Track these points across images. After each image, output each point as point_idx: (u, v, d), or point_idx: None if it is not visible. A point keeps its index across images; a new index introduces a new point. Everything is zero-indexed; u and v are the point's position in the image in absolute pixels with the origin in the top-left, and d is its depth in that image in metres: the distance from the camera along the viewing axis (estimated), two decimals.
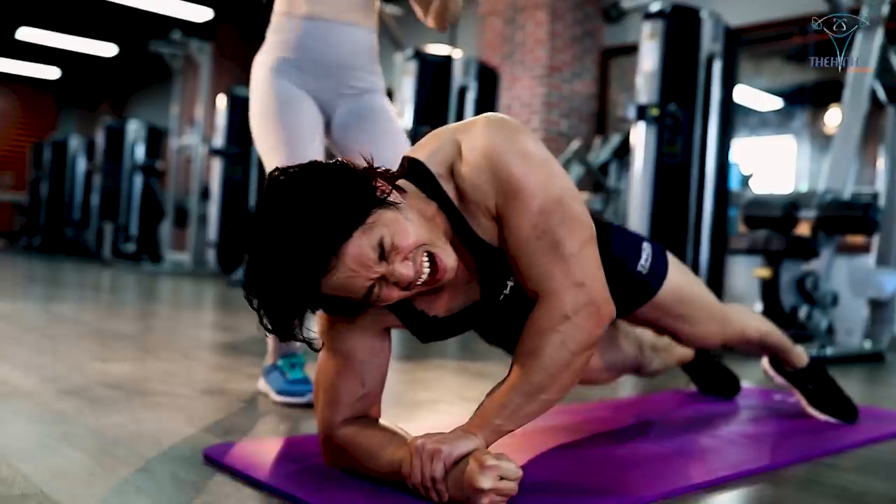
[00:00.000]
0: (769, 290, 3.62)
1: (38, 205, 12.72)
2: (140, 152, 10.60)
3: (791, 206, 3.67)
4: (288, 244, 1.16)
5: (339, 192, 1.19)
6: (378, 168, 1.30)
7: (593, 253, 1.35)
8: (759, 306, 3.71)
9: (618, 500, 1.36)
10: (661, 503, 1.37)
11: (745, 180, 5.92)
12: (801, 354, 2.14)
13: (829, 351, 3.53)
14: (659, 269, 1.72)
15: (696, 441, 1.87)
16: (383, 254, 1.21)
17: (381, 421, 1.47)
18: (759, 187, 5.69)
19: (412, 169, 1.35)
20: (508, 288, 1.40)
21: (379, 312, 1.40)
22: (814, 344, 3.56)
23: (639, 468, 1.60)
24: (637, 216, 4.27)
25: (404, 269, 1.21)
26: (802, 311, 3.62)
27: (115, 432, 1.69)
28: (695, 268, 4.28)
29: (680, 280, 1.77)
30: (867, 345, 3.86)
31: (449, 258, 1.27)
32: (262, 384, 2.20)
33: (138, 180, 10.47)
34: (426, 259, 1.25)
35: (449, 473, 1.24)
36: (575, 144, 5.91)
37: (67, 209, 12.17)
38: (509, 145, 1.29)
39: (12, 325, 3.51)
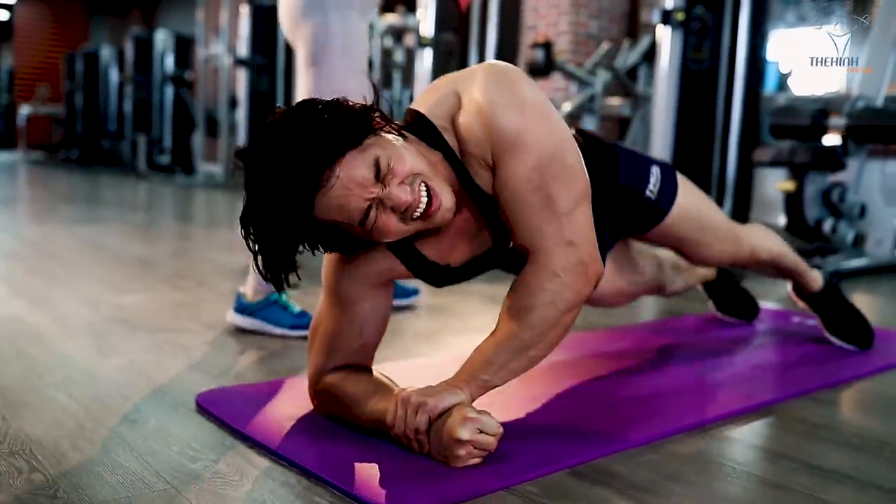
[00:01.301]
0: (793, 204, 3.52)
1: (74, 116, 12.82)
2: (169, 63, 10.54)
3: (820, 114, 3.53)
4: (281, 162, 1.15)
5: (334, 117, 1.19)
6: (375, 109, 1.28)
7: (586, 211, 1.34)
8: (782, 219, 3.62)
9: (605, 445, 1.35)
10: (648, 447, 1.37)
11: (782, 80, 5.68)
12: (816, 278, 2.11)
13: (853, 263, 3.46)
14: (668, 192, 1.70)
15: (698, 375, 1.86)
16: (379, 174, 1.19)
17: (372, 370, 1.48)
18: (799, 87, 5.47)
19: (415, 122, 1.33)
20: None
21: (387, 262, 1.39)
22: (839, 257, 3.49)
23: (636, 407, 1.59)
24: (661, 126, 4.16)
25: (401, 193, 1.20)
26: (827, 224, 3.53)
27: (112, 378, 1.72)
28: (721, 180, 4.18)
29: (689, 202, 1.75)
30: None
31: (445, 195, 1.25)
32: (242, 320, 2.16)
33: (169, 91, 10.45)
34: (423, 190, 1.23)
35: (432, 426, 1.25)
36: (604, 47, 5.73)
37: (103, 120, 12.26)
38: (508, 97, 1.27)
39: (37, 252, 3.58)
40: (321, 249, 1.31)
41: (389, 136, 1.25)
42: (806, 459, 1.36)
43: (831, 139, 3.63)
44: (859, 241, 3.58)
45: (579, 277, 1.31)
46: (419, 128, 1.32)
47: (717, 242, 1.83)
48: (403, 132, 1.30)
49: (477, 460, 1.24)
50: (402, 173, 1.21)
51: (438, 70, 5.74)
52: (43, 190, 7.81)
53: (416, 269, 1.40)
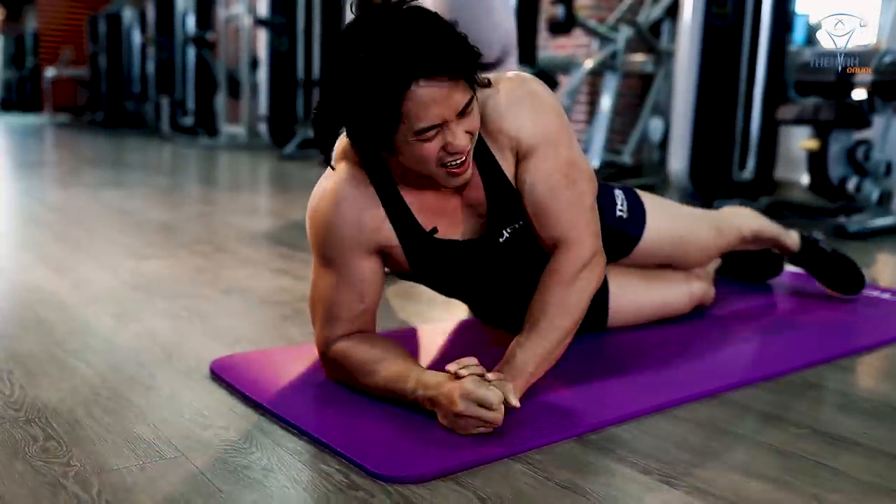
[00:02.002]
0: (816, 163, 3.46)
1: (98, 79, 12.86)
2: (191, 23, 10.50)
3: (846, 71, 3.45)
4: (413, 36, 1.17)
5: (469, 44, 1.24)
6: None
7: (595, 203, 1.49)
8: (805, 179, 3.57)
9: (613, 412, 1.36)
10: (659, 414, 1.37)
11: (811, 34, 5.54)
12: (794, 238, 2.14)
13: (879, 222, 3.41)
14: (637, 211, 1.76)
15: (713, 343, 1.84)
16: (462, 113, 1.24)
17: (377, 334, 1.49)
18: (829, 41, 5.33)
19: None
20: (510, 230, 1.47)
21: (375, 222, 1.40)
22: (864, 216, 3.43)
23: (648, 375, 1.59)
24: (683, 83, 4.09)
25: (463, 139, 1.25)
26: (851, 183, 3.47)
27: (129, 345, 1.75)
28: (745, 138, 4.11)
29: (660, 221, 1.80)
30: None
31: (470, 169, 1.32)
32: None
33: (191, 52, 10.42)
34: (469, 149, 1.30)
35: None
36: (626, 2, 5.62)
37: (126, 82, 12.29)
38: (551, 98, 1.42)
39: (60, 218, 3.63)
40: (363, 132, 1.28)
41: (479, 93, 1.31)
42: (815, 426, 1.36)
43: (858, 95, 3.55)
44: (885, 199, 3.52)
45: (600, 266, 1.45)
46: None
47: (700, 250, 1.89)
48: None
49: (484, 430, 1.25)
50: (472, 127, 1.27)
51: None
52: (68, 153, 7.88)
53: (402, 231, 1.42)
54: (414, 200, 1.41)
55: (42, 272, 2.46)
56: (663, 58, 5.32)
